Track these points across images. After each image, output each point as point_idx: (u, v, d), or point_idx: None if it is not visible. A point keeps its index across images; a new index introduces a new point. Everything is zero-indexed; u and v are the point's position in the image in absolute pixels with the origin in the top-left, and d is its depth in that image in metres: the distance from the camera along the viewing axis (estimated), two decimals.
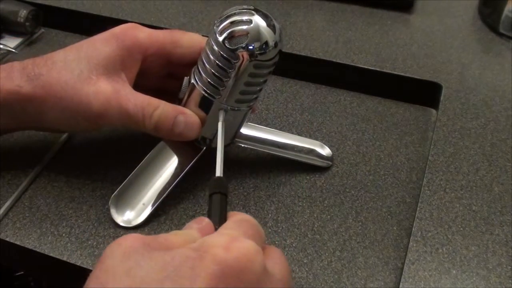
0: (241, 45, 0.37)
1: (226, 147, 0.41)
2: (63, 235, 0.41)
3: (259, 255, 0.28)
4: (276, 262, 0.30)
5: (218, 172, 0.36)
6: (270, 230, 0.41)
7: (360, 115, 0.52)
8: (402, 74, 0.54)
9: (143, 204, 0.41)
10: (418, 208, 0.42)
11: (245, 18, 0.37)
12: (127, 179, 0.42)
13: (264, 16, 0.37)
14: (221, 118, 0.40)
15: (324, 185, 0.45)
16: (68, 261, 0.39)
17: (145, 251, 0.28)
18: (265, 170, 0.46)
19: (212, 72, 0.38)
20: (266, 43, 0.37)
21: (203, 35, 0.42)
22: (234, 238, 0.29)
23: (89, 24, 0.61)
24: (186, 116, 0.40)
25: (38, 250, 0.40)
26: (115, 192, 0.42)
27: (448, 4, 0.65)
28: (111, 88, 0.39)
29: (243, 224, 0.31)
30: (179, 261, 0.27)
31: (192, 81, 0.40)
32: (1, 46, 0.57)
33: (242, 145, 0.45)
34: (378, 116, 0.52)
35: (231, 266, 0.27)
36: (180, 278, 0.26)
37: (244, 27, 0.37)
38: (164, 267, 0.27)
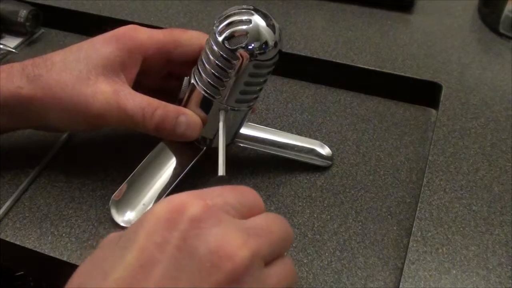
0: (241, 45, 0.37)
1: (226, 147, 0.41)
2: (63, 235, 0.41)
3: (192, 206, 0.27)
4: (281, 270, 0.29)
5: (221, 171, 0.36)
6: None
7: (360, 115, 0.52)
8: (402, 74, 0.54)
9: (144, 204, 0.41)
10: (418, 208, 0.42)
11: (244, 18, 0.37)
12: (128, 179, 0.42)
13: (264, 16, 0.37)
14: (221, 118, 0.40)
15: (324, 185, 0.45)
16: (68, 261, 0.39)
17: (113, 237, 0.28)
18: (265, 170, 0.46)
19: (212, 72, 0.38)
20: (266, 43, 0.37)
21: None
22: (176, 196, 0.28)
23: (89, 24, 0.61)
24: (188, 117, 0.40)
25: (38, 250, 0.40)
26: (115, 192, 0.42)
27: (448, 4, 0.65)
28: (111, 89, 0.39)
29: (220, 191, 0.29)
30: (130, 228, 0.28)
31: (192, 81, 0.40)
32: (1, 46, 0.57)
33: (242, 145, 0.45)
34: (378, 116, 0.52)
35: (166, 215, 0.27)
36: (124, 242, 0.27)
37: (244, 27, 0.37)
38: (118, 239, 0.28)
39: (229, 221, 0.27)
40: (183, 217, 0.26)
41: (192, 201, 0.27)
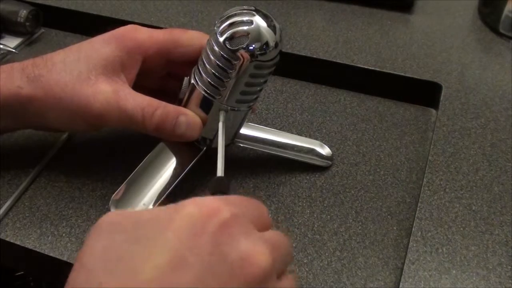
0: (242, 45, 0.37)
1: (226, 147, 0.41)
2: (63, 235, 0.41)
3: (222, 211, 0.27)
4: (288, 284, 0.29)
5: (219, 172, 0.36)
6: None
7: (360, 115, 0.52)
8: (402, 74, 0.54)
9: (144, 204, 0.41)
10: (418, 208, 0.42)
11: (245, 18, 0.37)
12: (128, 179, 0.42)
13: (265, 17, 0.38)
14: (221, 118, 0.40)
15: (324, 185, 0.45)
16: (68, 261, 0.39)
17: (121, 225, 0.27)
18: (265, 170, 0.46)
19: (213, 72, 0.38)
20: (267, 43, 0.37)
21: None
22: (206, 200, 0.28)
23: (89, 24, 0.61)
24: (188, 117, 0.40)
25: (38, 250, 0.40)
26: (115, 192, 0.42)
27: (448, 4, 0.65)
28: (111, 89, 0.39)
29: (240, 201, 0.30)
30: (149, 222, 0.27)
31: (192, 81, 0.40)
32: (1, 46, 0.57)
33: (242, 145, 0.45)
34: (378, 116, 0.52)
35: (196, 219, 0.27)
36: (147, 239, 0.26)
37: (245, 27, 0.37)
38: (134, 232, 0.27)
39: (254, 231, 0.28)
40: (213, 221, 0.27)
41: (222, 206, 0.28)
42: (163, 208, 0.28)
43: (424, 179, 0.44)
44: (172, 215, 0.27)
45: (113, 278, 0.25)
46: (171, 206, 0.28)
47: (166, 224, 0.27)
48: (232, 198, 0.30)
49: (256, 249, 0.27)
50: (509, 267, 0.38)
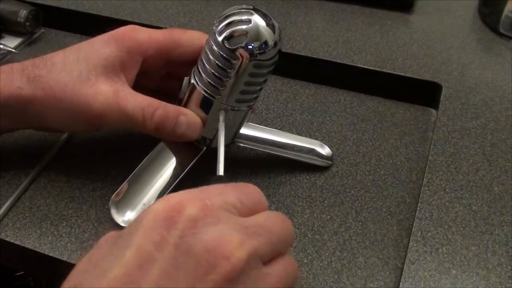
0: (241, 44, 0.37)
1: (226, 147, 0.41)
2: (63, 235, 0.41)
3: (190, 205, 0.27)
4: (282, 269, 0.28)
5: (220, 171, 0.36)
6: None
7: (360, 115, 0.52)
8: (402, 74, 0.54)
9: (144, 204, 0.41)
10: (418, 208, 0.42)
11: (244, 17, 0.37)
12: (128, 179, 0.42)
13: (263, 16, 0.37)
14: (221, 118, 0.40)
15: (324, 185, 0.45)
16: (68, 261, 0.39)
17: (110, 236, 0.28)
18: (265, 170, 0.46)
19: (212, 72, 0.38)
20: (266, 42, 0.37)
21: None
22: (174, 195, 0.28)
23: (89, 24, 0.61)
24: (188, 117, 0.40)
25: (38, 250, 0.40)
26: (115, 192, 0.42)
27: (448, 4, 0.65)
28: (111, 89, 0.39)
29: (222, 189, 0.29)
30: (127, 228, 0.28)
31: (192, 81, 0.40)
32: (1, 46, 0.57)
33: (242, 145, 0.45)
34: (378, 116, 0.52)
35: (162, 214, 0.27)
36: (121, 243, 0.27)
37: (244, 26, 0.37)
38: (115, 240, 0.28)
39: (228, 220, 0.27)
40: (181, 216, 0.27)
41: (190, 200, 0.27)
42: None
43: (424, 179, 0.44)
44: (144, 214, 0.27)
45: (86, 279, 0.26)
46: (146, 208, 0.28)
47: (137, 225, 0.27)
48: (210, 188, 0.29)
49: (225, 238, 0.26)
50: (509, 267, 0.38)
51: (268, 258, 0.28)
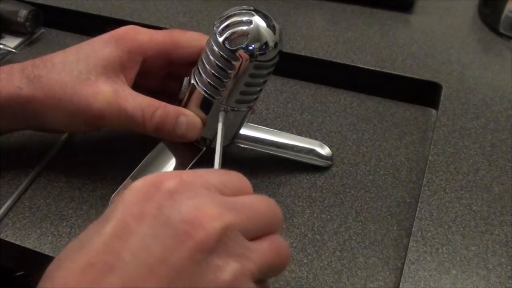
0: (241, 45, 0.37)
1: (226, 147, 0.41)
2: (63, 235, 0.41)
3: (168, 180, 0.28)
4: (267, 246, 0.28)
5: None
6: None
7: (360, 115, 0.52)
8: (402, 74, 0.54)
9: None
10: (418, 208, 0.42)
11: (245, 18, 0.37)
12: (128, 179, 0.42)
13: (264, 17, 0.37)
14: (221, 119, 0.40)
15: (324, 185, 0.45)
16: None
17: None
18: (265, 170, 0.46)
19: (212, 72, 0.38)
20: (266, 43, 0.37)
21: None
22: (156, 173, 0.29)
23: (89, 24, 0.61)
24: (188, 117, 0.40)
25: (38, 250, 0.40)
26: (115, 192, 0.42)
27: (448, 4, 0.65)
28: (111, 89, 0.39)
29: (204, 172, 0.30)
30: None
31: (192, 81, 0.40)
32: (1, 46, 0.57)
33: (242, 146, 0.45)
34: (378, 116, 0.52)
35: (142, 189, 0.27)
36: (104, 222, 0.27)
37: (244, 27, 0.37)
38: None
39: (206, 195, 0.28)
40: (159, 189, 0.27)
41: (169, 176, 0.28)
42: None
43: (424, 179, 0.44)
44: (125, 191, 0.28)
45: (67, 252, 0.27)
46: None
47: (118, 202, 0.28)
48: (195, 170, 0.30)
49: (203, 211, 0.26)
50: (509, 267, 0.38)
51: (254, 235, 0.28)
